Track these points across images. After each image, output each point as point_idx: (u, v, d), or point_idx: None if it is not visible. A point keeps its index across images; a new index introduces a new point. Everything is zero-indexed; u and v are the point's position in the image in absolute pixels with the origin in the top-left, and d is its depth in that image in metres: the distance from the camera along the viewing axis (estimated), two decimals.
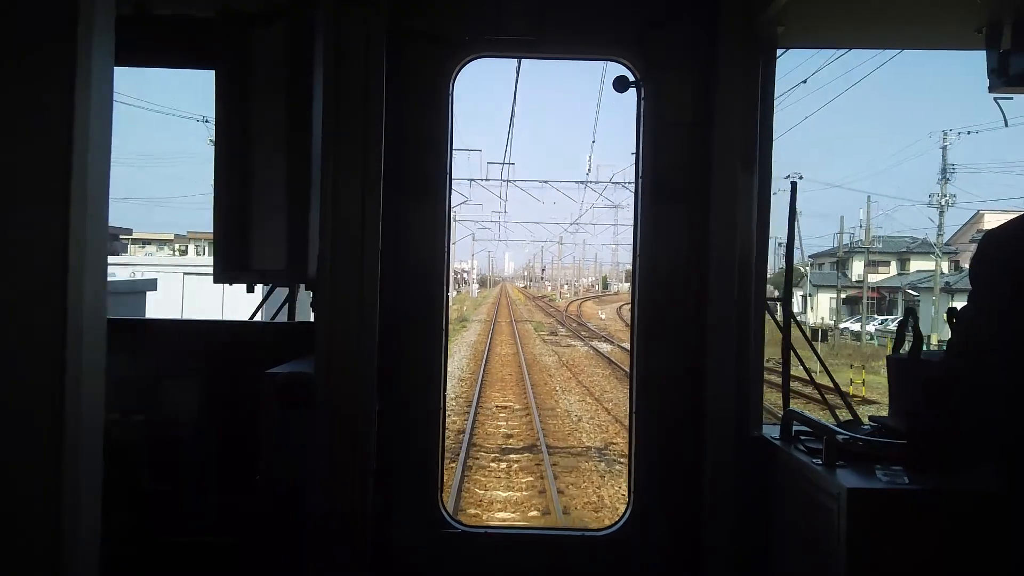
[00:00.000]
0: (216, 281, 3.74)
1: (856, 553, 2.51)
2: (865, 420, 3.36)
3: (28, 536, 1.40)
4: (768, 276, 3.75)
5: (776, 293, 3.87)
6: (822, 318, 61.77)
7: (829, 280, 65.42)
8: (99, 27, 1.45)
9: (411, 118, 3.71)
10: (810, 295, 62.17)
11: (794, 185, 3.78)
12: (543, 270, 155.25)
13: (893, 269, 66.08)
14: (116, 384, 3.65)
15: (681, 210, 3.75)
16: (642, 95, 3.79)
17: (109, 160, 1.52)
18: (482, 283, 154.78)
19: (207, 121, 39.38)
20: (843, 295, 57.23)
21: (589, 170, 50.92)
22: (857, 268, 63.85)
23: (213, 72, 3.65)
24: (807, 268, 60.03)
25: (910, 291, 53.78)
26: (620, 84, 3.80)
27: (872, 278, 61.53)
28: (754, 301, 3.56)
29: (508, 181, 47.94)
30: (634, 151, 3.90)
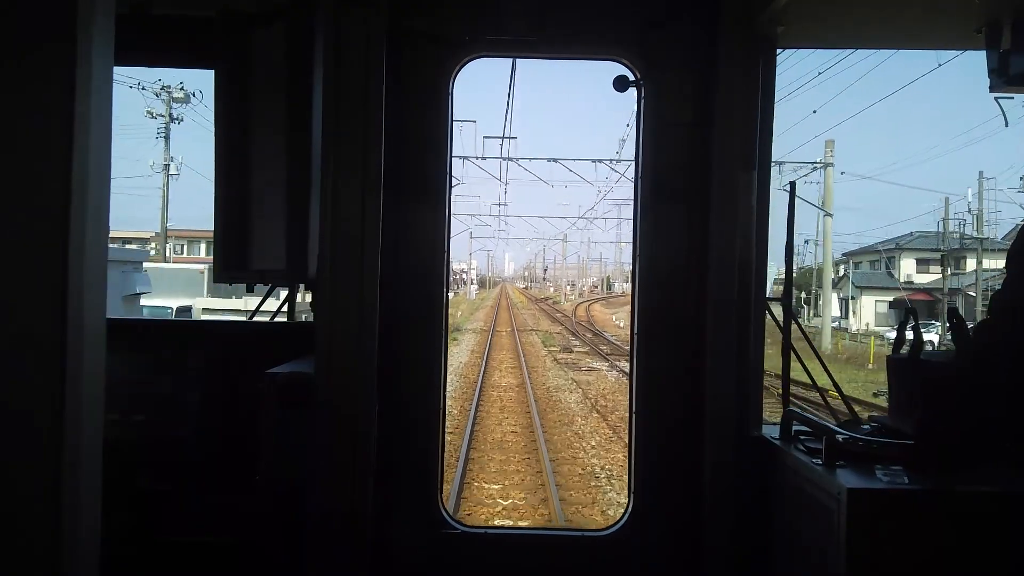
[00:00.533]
0: (216, 280, 3.75)
1: (856, 553, 2.51)
2: (865, 420, 3.36)
3: (28, 536, 1.40)
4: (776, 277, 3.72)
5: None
6: (867, 324, 55.07)
7: (875, 281, 58.20)
8: (99, 27, 1.45)
9: (411, 118, 3.71)
10: (852, 298, 55.67)
11: (793, 185, 3.78)
12: (545, 270, 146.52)
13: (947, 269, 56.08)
14: (116, 384, 3.67)
15: (681, 210, 3.74)
16: (642, 95, 3.79)
17: (109, 160, 1.52)
18: (481, 284, 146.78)
19: (143, 88, 34.93)
20: (891, 298, 51.24)
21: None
22: (906, 267, 57.28)
23: (213, 72, 3.65)
24: (848, 267, 54.96)
25: (973, 293, 44.96)
26: (620, 84, 3.80)
27: (922, 279, 54.62)
28: (754, 301, 3.56)
29: (509, 159, 42.22)
30: (634, 151, 3.90)
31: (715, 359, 3.54)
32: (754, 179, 3.56)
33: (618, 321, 54.74)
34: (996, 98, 3.68)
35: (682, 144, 3.74)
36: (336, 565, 3.32)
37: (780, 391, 3.74)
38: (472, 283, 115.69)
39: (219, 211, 3.65)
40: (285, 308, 4.38)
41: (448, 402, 18.86)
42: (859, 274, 61.30)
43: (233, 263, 3.64)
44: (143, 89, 33.87)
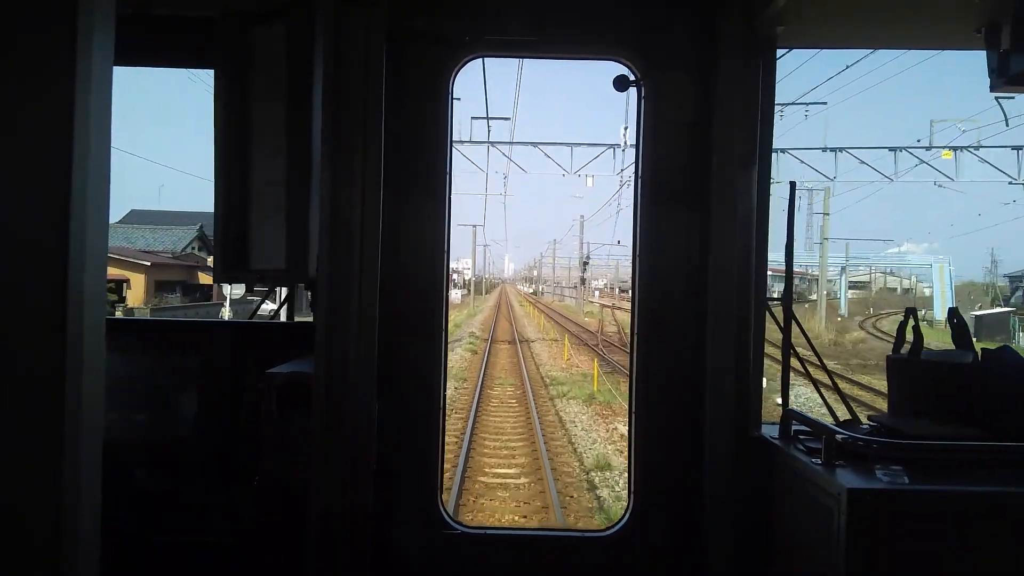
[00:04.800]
0: (216, 281, 3.75)
1: (856, 553, 2.51)
2: (865, 420, 3.36)
3: (29, 536, 1.40)
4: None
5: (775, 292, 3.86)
6: None
7: None
8: (99, 27, 1.45)
9: (411, 118, 3.72)
10: None
11: (793, 185, 3.77)
12: (586, 262, 76.45)
13: None
14: (116, 384, 3.67)
15: (681, 210, 3.75)
16: (642, 95, 3.79)
17: (109, 160, 1.52)
18: (470, 287, 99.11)
19: None
20: None
21: None
22: None
23: (213, 72, 3.65)
24: None
25: None
26: (620, 84, 3.80)
27: None
28: (754, 301, 3.56)
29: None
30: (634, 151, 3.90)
31: (715, 359, 3.54)
32: (754, 179, 3.56)
33: None
34: (996, 98, 3.67)
35: (682, 144, 3.74)
36: (336, 565, 3.32)
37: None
38: (454, 287, 74.97)
39: (219, 211, 3.65)
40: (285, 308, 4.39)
41: None
42: None
43: (233, 263, 3.63)
44: None
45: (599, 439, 17.34)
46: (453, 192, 3.90)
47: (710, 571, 3.52)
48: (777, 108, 3.65)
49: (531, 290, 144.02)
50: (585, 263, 75.64)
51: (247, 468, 3.32)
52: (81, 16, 1.40)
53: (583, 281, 78.47)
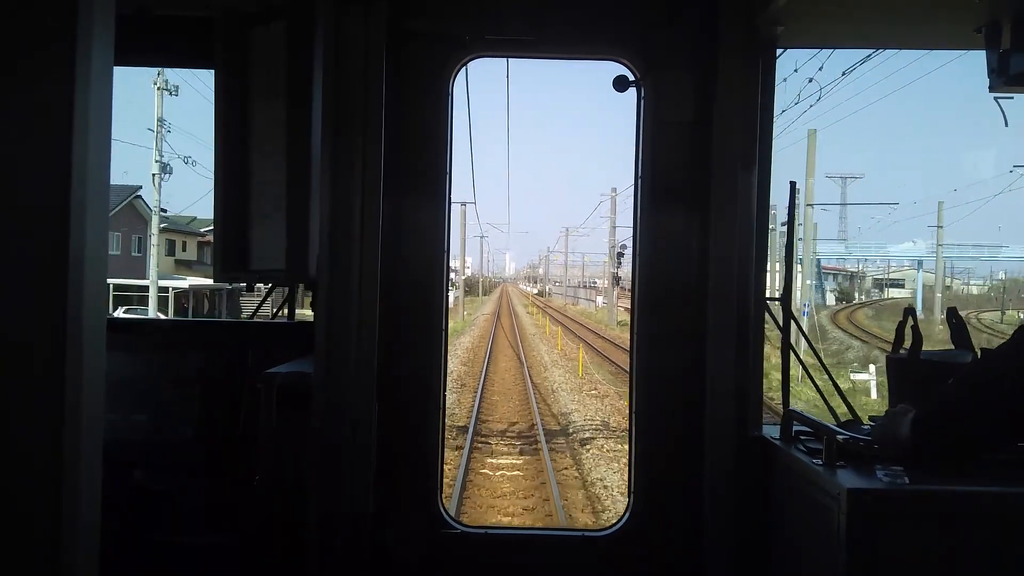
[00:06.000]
0: (216, 280, 3.76)
1: (856, 553, 2.51)
2: (865, 420, 3.36)
3: (28, 536, 1.40)
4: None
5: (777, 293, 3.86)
6: None
7: None
8: (99, 27, 1.45)
9: (411, 118, 3.72)
10: None
11: (793, 185, 3.77)
12: (620, 253, 55.23)
13: None
14: (116, 384, 3.67)
15: (681, 210, 3.75)
16: (642, 95, 3.79)
17: (109, 160, 1.52)
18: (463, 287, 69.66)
19: None
20: None
21: None
22: None
23: (213, 72, 3.66)
24: None
25: None
26: (620, 84, 3.80)
27: None
28: (754, 301, 3.56)
29: None
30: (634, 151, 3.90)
31: (715, 359, 3.54)
32: (754, 179, 3.56)
33: None
34: (996, 98, 3.67)
35: (682, 144, 3.74)
36: (336, 565, 3.33)
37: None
38: (456, 286, 57.81)
39: (219, 211, 3.65)
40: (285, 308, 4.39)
41: None
42: None
43: (233, 263, 3.64)
44: None
45: None
46: None
47: (710, 571, 3.52)
48: None
49: (536, 290, 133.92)
50: (620, 254, 54.45)
51: (247, 468, 3.32)
52: (81, 16, 1.40)
53: (616, 280, 57.03)
